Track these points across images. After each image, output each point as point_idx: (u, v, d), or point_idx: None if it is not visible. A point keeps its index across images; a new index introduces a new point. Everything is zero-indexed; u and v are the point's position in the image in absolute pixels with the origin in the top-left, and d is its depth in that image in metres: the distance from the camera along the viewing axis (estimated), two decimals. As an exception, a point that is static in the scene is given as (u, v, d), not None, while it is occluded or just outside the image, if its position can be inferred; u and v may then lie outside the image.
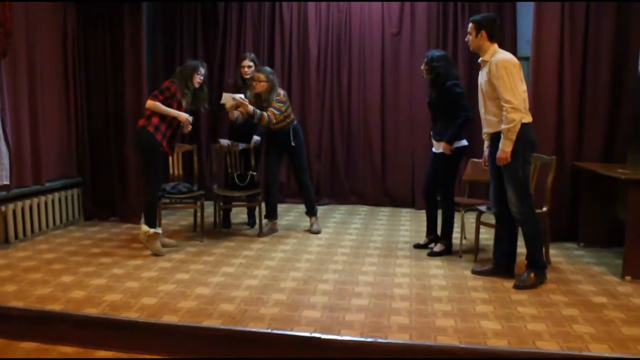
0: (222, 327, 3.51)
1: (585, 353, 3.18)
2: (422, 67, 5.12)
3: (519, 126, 4.12)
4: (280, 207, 7.19)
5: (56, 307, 3.79)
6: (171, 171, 5.73)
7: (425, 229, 5.43)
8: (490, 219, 5.16)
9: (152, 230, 4.97)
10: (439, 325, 3.56)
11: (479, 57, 4.41)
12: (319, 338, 3.33)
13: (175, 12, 7.36)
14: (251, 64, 5.74)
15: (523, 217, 4.27)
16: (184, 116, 5.06)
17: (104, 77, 6.20)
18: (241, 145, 5.81)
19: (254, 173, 5.79)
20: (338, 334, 3.40)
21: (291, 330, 3.48)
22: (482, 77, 4.35)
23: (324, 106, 7.39)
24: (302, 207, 7.03)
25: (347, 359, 3.27)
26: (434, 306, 3.88)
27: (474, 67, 6.98)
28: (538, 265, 4.32)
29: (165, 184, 5.52)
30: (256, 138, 5.82)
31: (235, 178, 5.72)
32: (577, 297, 4.08)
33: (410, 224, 6.36)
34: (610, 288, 4.27)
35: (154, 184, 5.03)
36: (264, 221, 5.87)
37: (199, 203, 5.57)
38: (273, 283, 4.32)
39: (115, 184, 6.27)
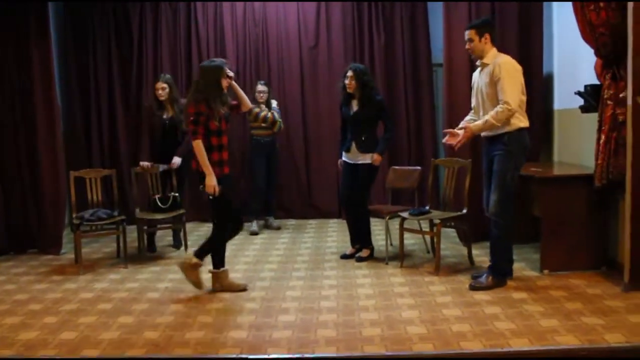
0: (145, 356, 3.40)
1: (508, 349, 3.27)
2: (347, 80, 5.13)
3: (495, 126, 4.21)
4: (208, 227, 7.07)
5: (-37, 352, 3.57)
6: (89, 197, 5.53)
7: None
8: (414, 225, 5.28)
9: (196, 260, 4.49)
10: (366, 335, 3.57)
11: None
12: (245, 359, 3.28)
13: (88, 36, 7.15)
14: (165, 85, 5.68)
15: (497, 218, 4.32)
16: (212, 183, 4.32)
17: (12, 103, 5.89)
18: (162, 167, 5.70)
19: (177, 194, 5.67)
20: (265, 353, 3.36)
21: (217, 353, 3.41)
22: (482, 79, 4.37)
23: (245, 122, 7.33)
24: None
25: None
26: (361, 316, 3.88)
27: (391, 79, 7.19)
28: (498, 272, 4.38)
29: (83, 211, 5.34)
30: (177, 159, 5.72)
31: (158, 200, 5.59)
32: (499, 295, 4.19)
33: (337, 235, 6.38)
34: (530, 283, 4.41)
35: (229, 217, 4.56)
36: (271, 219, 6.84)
37: (120, 228, 5.41)
38: (199, 305, 4.22)
39: (31, 213, 5.97)
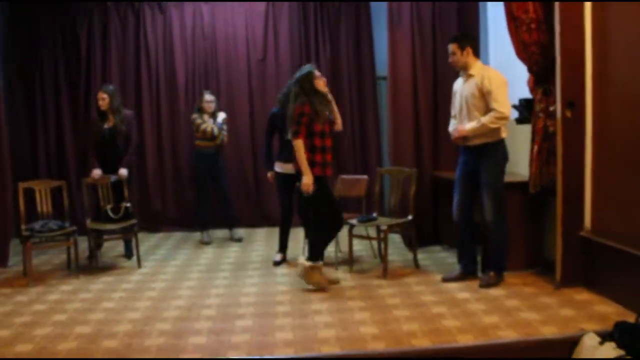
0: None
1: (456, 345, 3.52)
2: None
3: (489, 130, 4.47)
4: (157, 237, 7.16)
5: None
6: (39, 209, 5.50)
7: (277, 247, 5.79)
8: (362, 231, 5.50)
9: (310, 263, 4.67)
10: (322, 336, 3.74)
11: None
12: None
13: (34, 47, 7.15)
14: (105, 95, 5.76)
15: (497, 225, 4.58)
16: (308, 182, 4.56)
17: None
18: (113, 178, 5.73)
19: (128, 205, 5.71)
20: (226, 357, 3.48)
21: (178, 358, 3.51)
22: (468, 89, 4.60)
23: (193, 133, 7.42)
24: (179, 235, 7.14)
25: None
26: (315, 319, 4.05)
27: (337, 92, 7.36)
28: (501, 267, 4.67)
29: (34, 222, 5.33)
30: (123, 170, 5.77)
31: (109, 211, 5.61)
32: (444, 296, 4.45)
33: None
34: (472, 284, 4.69)
35: (326, 217, 4.74)
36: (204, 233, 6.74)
37: (72, 240, 5.40)
38: (156, 314, 4.29)
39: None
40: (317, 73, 4.71)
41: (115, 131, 5.78)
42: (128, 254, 5.98)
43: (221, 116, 6.62)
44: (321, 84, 4.68)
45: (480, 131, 4.52)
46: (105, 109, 5.77)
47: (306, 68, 4.75)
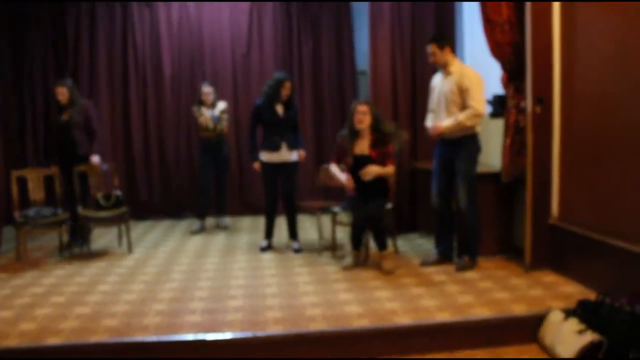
0: (109, 340, 3.68)
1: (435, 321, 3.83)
2: (287, 91, 5.61)
3: (464, 127, 4.74)
4: (144, 225, 7.36)
5: None
6: (32, 197, 5.67)
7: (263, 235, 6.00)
8: (343, 219, 5.77)
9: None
10: (309, 315, 4.00)
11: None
12: (204, 340, 3.66)
13: (23, 40, 7.27)
14: (64, 90, 5.87)
15: (471, 211, 4.87)
16: (344, 181, 5.09)
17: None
18: (104, 166, 5.91)
19: (119, 193, 5.89)
20: (221, 332, 3.74)
21: (176, 334, 3.75)
22: (447, 85, 4.84)
23: (179, 124, 7.64)
24: (166, 223, 7.36)
25: (234, 359, 3.65)
26: (303, 299, 4.31)
27: (318, 84, 7.71)
28: (475, 252, 4.97)
29: (27, 209, 5.50)
30: (95, 157, 5.90)
31: (100, 199, 5.79)
32: (422, 278, 4.76)
33: (272, 230, 6.79)
34: (448, 268, 5.00)
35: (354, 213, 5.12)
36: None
37: (64, 226, 5.58)
38: (151, 295, 4.50)
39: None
40: (358, 108, 4.96)
41: (71, 122, 5.87)
42: (75, 241, 5.98)
43: (219, 106, 6.71)
44: (354, 120, 4.96)
45: (457, 128, 4.80)
46: (65, 103, 5.90)
47: (354, 103, 5.05)
